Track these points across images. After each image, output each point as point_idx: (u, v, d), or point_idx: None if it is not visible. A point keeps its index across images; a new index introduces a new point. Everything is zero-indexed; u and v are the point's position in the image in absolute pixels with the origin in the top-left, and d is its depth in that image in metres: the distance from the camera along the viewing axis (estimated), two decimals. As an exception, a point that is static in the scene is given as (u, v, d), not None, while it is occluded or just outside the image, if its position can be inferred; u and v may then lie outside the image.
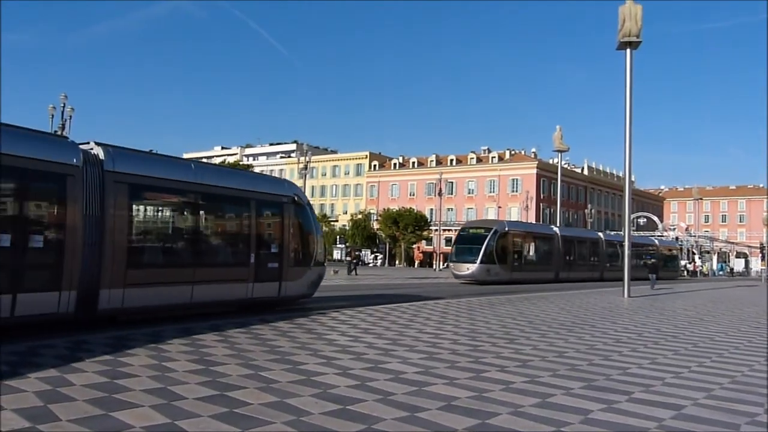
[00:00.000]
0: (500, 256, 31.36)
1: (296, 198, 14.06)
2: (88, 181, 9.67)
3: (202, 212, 12.29)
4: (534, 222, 64.64)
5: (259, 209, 13.12)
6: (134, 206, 10.86)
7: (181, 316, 11.38)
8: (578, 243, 40.91)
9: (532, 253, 36.00)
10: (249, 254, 12.63)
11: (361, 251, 59.67)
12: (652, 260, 36.43)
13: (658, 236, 67.05)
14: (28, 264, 8.89)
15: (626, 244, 23.36)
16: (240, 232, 13.09)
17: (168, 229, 12.29)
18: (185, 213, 12.16)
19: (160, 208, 12.11)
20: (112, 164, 10.14)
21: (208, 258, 12.22)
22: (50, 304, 9.00)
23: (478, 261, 30.35)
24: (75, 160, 9.47)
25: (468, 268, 30.63)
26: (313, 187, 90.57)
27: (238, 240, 13.04)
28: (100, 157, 10.07)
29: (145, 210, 11.73)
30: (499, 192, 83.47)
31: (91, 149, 10.16)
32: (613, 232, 58.68)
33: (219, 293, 12.02)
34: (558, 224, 54.55)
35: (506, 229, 32.78)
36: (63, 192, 9.28)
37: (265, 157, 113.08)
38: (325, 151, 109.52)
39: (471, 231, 33.32)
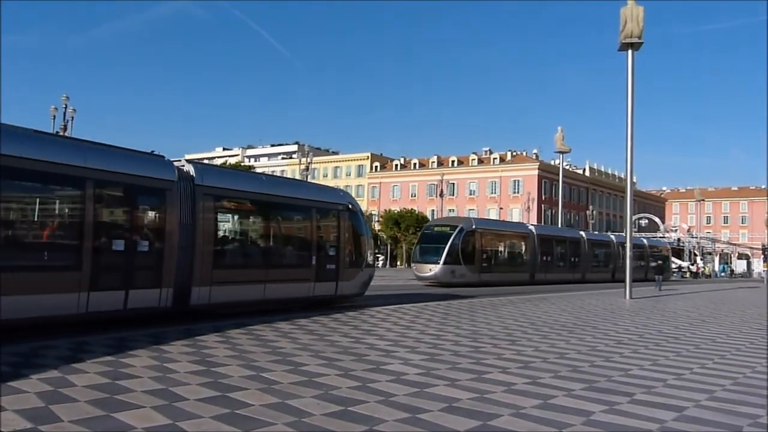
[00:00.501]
0: (466, 257, 29.16)
1: (350, 206, 15.44)
2: (182, 193, 11.06)
3: (272, 219, 13.63)
4: (534, 223, 64.56)
5: (319, 216, 14.50)
6: (219, 214, 12.30)
7: (259, 311, 12.49)
8: (557, 243, 38.31)
9: (503, 253, 34.06)
10: (311, 257, 13.95)
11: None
12: (659, 261, 36.03)
13: (659, 237, 66.97)
14: (137, 265, 10.26)
15: (628, 245, 23.34)
16: (303, 236, 14.39)
17: (245, 234, 14.13)
18: (259, 220, 13.70)
19: (238, 216, 13.69)
20: (201, 179, 11.52)
21: (278, 260, 13.49)
22: (153, 299, 10.41)
23: (442, 261, 28.16)
24: (172, 176, 10.85)
25: (431, 269, 28.39)
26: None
27: (302, 243, 14.26)
28: (191, 173, 11.44)
29: (227, 218, 13.31)
30: (500, 193, 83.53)
31: (183, 166, 11.49)
32: (596, 232, 58.10)
33: (287, 291, 13.36)
34: (560, 225, 54.75)
35: (473, 227, 30.39)
36: (163, 203, 10.74)
37: (266, 158, 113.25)
38: (327, 152, 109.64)
39: (435, 229, 31.17)
